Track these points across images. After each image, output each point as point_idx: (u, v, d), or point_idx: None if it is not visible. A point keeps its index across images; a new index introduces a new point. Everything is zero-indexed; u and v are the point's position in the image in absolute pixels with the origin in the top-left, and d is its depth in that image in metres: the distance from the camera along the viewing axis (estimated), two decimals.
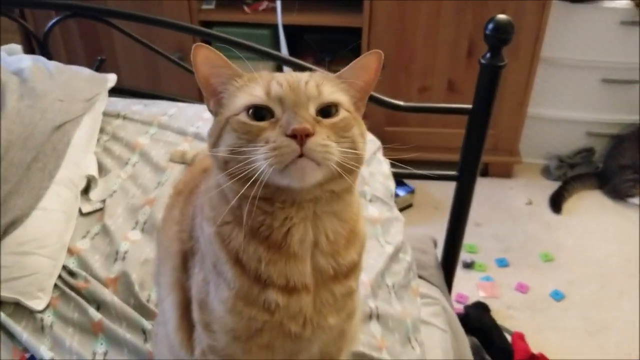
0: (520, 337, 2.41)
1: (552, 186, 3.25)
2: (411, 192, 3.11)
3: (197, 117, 1.88)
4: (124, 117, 1.83)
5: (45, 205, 1.42)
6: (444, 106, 1.97)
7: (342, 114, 0.82)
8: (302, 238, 0.84)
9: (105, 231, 1.50)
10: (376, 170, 1.78)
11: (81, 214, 1.55)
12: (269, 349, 0.92)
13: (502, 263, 2.84)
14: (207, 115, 1.82)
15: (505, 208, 3.14)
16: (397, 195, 3.03)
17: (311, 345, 0.96)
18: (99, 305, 1.34)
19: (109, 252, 1.45)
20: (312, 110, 0.79)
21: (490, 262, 2.84)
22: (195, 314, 0.94)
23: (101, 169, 1.67)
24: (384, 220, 1.63)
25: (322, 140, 0.76)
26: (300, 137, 0.74)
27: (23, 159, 1.44)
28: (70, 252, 1.45)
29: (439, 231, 2.17)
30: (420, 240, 2.12)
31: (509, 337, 2.42)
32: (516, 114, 3.10)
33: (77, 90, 1.67)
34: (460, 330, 1.91)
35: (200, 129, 1.83)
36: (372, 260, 1.50)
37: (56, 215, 1.44)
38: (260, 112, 0.79)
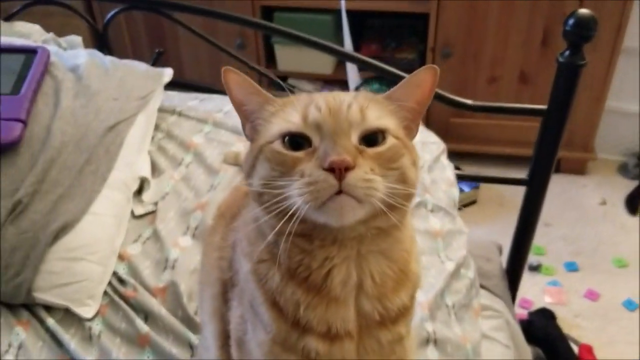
0: (588, 349, 2.28)
1: (629, 185, 3.05)
2: (476, 188, 2.98)
3: None
4: (179, 114, 1.79)
5: (96, 210, 1.39)
6: (515, 106, 1.84)
7: (390, 141, 0.72)
8: (345, 280, 0.76)
9: (156, 236, 1.47)
10: (439, 177, 1.68)
11: (133, 216, 1.53)
12: None
13: (572, 267, 2.68)
14: None
15: (577, 207, 2.97)
16: (461, 191, 2.90)
17: None
18: (147, 315, 1.32)
19: (159, 258, 1.42)
20: (354, 138, 0.70)
21: (559, 265, 2.69)
22: (234, 352, 0.89)
23: (154, 168, 1.64)
24: (446, 233, 1.53)
25: (365, 174, 0.67)
26: (339, 170, 0.65)
27: (76, 161, 1.41)
28: (121, 257, 1.42)
29: (504, 231, 2.04)
30: (484, 247, 2.01)
31: (575, 349, 2.29)
32: (593, 108, 2.91)
33: (131, 87, 1.63)
34: (524, 344, 1.80)
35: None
36: (431, 279, 1.42)
37: (107, 220, 1.41)
38: (296, 141, 0.71)
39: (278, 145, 0.71)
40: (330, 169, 0.66)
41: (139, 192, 1.57)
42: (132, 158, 1.54)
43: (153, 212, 1.54)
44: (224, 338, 0.94)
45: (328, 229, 0.72)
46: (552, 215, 2.86)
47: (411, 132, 0.79)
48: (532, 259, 2.65)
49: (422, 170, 1.63)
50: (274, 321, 0.78)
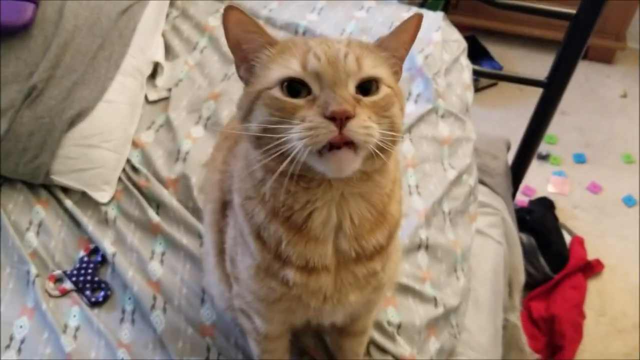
0: (579, 242, 2.38)
1: None
2: (499, 69, 2.91)
3: None
4: None
5: (110, 98, 1.42)
6: (543, 8, 1.76)
7: (384, 91, 0.75)
8: (325, 221, 0.81)
9: (169, 124, 1.51)
10: (455, 81, 1.65)
11: (147, 101, 1.55)
12: (289, 313, 0.95)
13: (580, 159, 2.71)
14: None
15: (596, 98, 2.92)
16: (482, 74, 2.86)
17: (334, 315, 0.98)
18: (159, 205, 1.39)
19: (171, 149, 1.46)
20: (351, 87, 0.73)
21: (567, 156, 2.72)
22: (228, 266, 0.97)
23: (168, 51, 1.63)
24: (453, 141, 1.55)
25: (363, 121, 0.70)
26: (339, 120, 0.68)
27: (89, 46, 1.41)
28: (135, 144, 1.47)
29: (521, 115, 2.05)
30: (492, 143, 2.03)
31: (568, 239, 2.39)
32: None
33: None
34: (516, 241, 1.89)
35: (273, 13, 1.72)
36: (432, 187, 1.46)
37: (121, 107, 1.44)
38: (295, 87, 0.73)
39: (277, 92, 0.72)
40: (331, 118, 0.68)
41: (153, 76, 1.58)
42: (146, 42, 1.53)
43: (167, 99, 1.56)
44: (220, 249, 1.01)
45: (317, 172, 0.75)
46: (570, 103, 2.83)
47: (398, 75, 0.82)
48: (542, 147, 2.65)
49: (439, 74, 1.60)
50: (259, 251, 0.85)
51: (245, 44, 0.77)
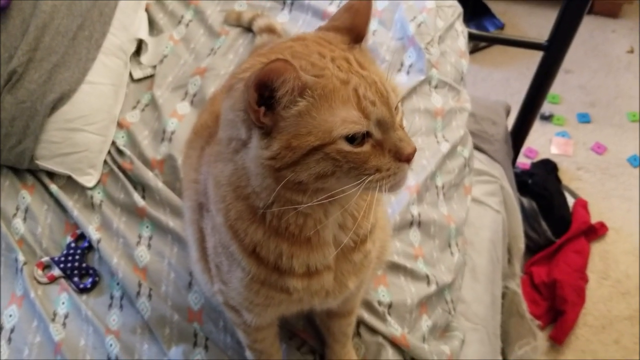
0: (582, 205, 2.34)
1: None
2: (500, 28, 2.83)
3: None
4: None
5: (92, 79, 1.39)
6: None
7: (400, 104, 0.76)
8: (332, 227, 0.82)
9: (154, 103, 1.48)
10: (450, 48, 1.60)
11: (132, 80, 1.52)
12: (285, 310, 0.96)
13: (584, 119, 2.65)
14: None
15: (602, 54, 2.83)
16: (485, 31, 2.78)
17: (332, 303, 0.97)
18: (144, 188, 1.37)
19: (157, 128, 1.44)
20: (397, 116, 0.74)
21: (571, 116, 2.66)
22: (212, 269, 0.95)
23: (153, 26, 1.59)
24: (447, 112, 1.51)
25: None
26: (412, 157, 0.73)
27: (69, 26, 1.38)
28: (120, 125, 1.45)
29: (523, 74, 2.00)
30: (491, 108, 1.98)
31: (571, 201, 2.35)
32: None
33: None
34: (516, 209, 1.86)
35: None
36: (424, 161, 1.43)
37: (104, 88, 1.41)
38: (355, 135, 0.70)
39: (345, 145, 0.69)
40: (406, 159, 0.72)
41: (137, 53, 1.54)
42: (128, 19, 1.49)
43: (152, 77, 1.53)
44: (202, 246, 0.98)
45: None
46: (574, 61, 2.75)
47: None
48: (545, 107, 2.60)
49: (432, 42, 1.55)
50: (253, 267, 0.83)
51: (277, 90, 0.68)
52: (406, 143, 0.72)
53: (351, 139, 0.69)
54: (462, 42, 1.65)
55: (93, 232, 1.31)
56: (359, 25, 0.76)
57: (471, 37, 1.83)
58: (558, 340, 2.05)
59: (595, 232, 2.30)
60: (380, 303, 1.22)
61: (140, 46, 1.54)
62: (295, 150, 0.69)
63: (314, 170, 0.70)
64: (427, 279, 1.29)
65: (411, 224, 1.36)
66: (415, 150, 0.72)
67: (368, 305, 1.21)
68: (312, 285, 0.86)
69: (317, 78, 0.69)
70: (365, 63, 0.73)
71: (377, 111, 0.70)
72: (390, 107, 0.71)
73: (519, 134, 2.16)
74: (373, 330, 1.19)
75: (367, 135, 0.70)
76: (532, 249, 2.23)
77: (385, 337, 1.19)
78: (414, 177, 1.40)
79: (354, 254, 0.88)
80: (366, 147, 0.70)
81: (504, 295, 1.77)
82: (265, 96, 0.68)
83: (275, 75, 0.66)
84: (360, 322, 1.19)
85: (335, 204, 0.76)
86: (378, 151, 0.71)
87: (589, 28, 2.88)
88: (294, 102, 0.68)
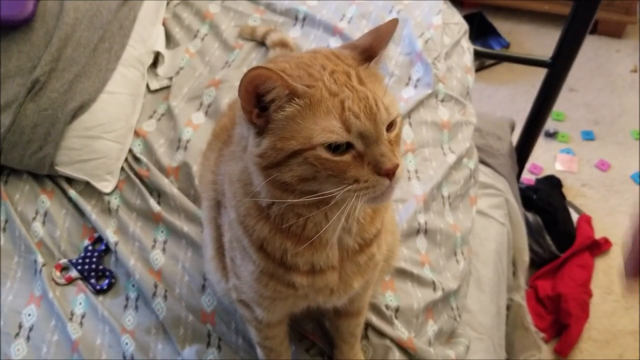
0: (586, 220, 2.37)
1: None
2: (506, 47, 2.89)
3: None
4: None
5: (111, 89, 1.44)
6: None
7: (399, 121, 0.79)
8: (334, 230, 0.85)
9: (170, 113, 1.53)
10: (456, 64, 1.65)
11: (149, 90, 1.57)
12: (294, 306, 1.00)
13: (588, 136, 2.69)
14: None
15: (606, 73, 2.88)
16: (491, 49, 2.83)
17: (338, 302, 1.01)
18: (160, 194, 1.42)
19: (172, 137, 1.49)
20: (385, 133, 0.75)
21: (576, 133, 2.70)
22: (228, 263, 0.99)
23: (169, 39, 1.64)
24: (453, 125, 1.55)
25: (402, 164, 0.76)
26: (392, 173, 0.74)
27: (90, 38, 1.43)
28: (137, 134, 1.50)
29: (528, 92, 2.03)
30: (496, 124, 2.03)
31: (576, 217, 2.38)
32: None
33: None
34: (520, 222, 1.89)
35: None
36: (431, 172, 1.47)
37: (123, 98, 1.46)
38: (338, 145, 0.74)
39: (324, 152, 0.73)
40: (385, 174, 0.74)
41: (154, 65, 1.60)
42: (146, 32, 1.55)
43: (168, 88, 1.58)
44: (219, 244, 1.03)
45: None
46: (578, 79, 2.80)
47: None
48: (549, 124, 2.65)
49: (439, 58, 1.60)
50: (261, 260, 0.88)
51: (266, 95, 0.74)
52: (387, 159, 0.74)
53: (335, 148, 0.73)
54: (468, 58, 1.71)
55: (111, 235, 1.35)
56: (375, 47, 0.80)
57: (477, 54, 1.88)
58: (562, 353, 2.07)
59: (599, 247, 2.32)
60: (387, 307, 1.26)
61: (157, 58, 1.60)
62: (279, 152, 0.74)
63: (296, 172, 0.74)
64: (433, 285, 1.32)
65: (418, 231, 1.40)
66: (396, 167, 0.74)
67: (376, 309, 1.24)
68: (316, 283, 0.90)
69: (308, 88, 0.74)
70: (366, 79, 0.77)
71: (359, 124, 0.73)
72: (377, 123, 0.74)
73: (523, 149, 2.20)
74: (381, 333, 1.23)
75: (349, 146, 0.74)
76: (537, 263, 2.26)
77: (392, 340, 1.22)
78: (421, 186, 1.44)
79: (359, 256, 0.92)
80: (346, 157, 0.74)
81: (508, 307, 1.79)
82: (259, 99, 0.74)
83: (259, 81, 0.72)
84: (368, 325, 1.23)
85: (334, 208, 0.79)
86: (358, 163, 0.74)
87: (594, 48, 2.93)
88: (282, 107, 0.74)
